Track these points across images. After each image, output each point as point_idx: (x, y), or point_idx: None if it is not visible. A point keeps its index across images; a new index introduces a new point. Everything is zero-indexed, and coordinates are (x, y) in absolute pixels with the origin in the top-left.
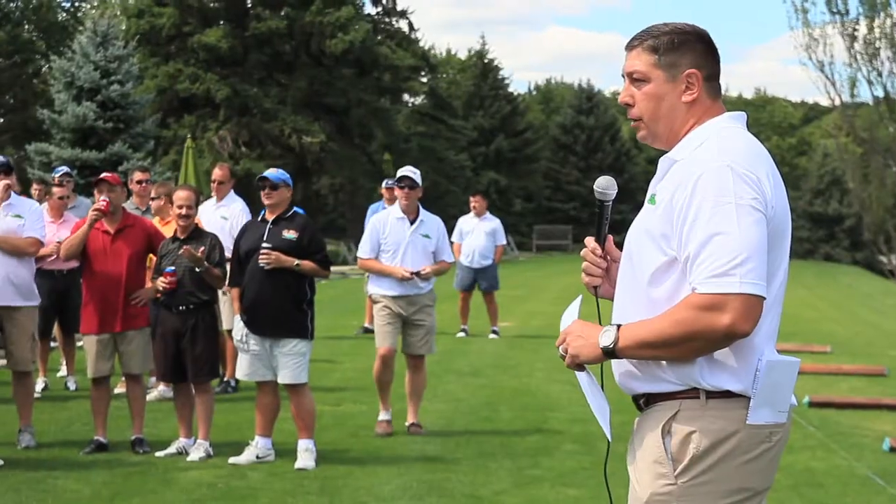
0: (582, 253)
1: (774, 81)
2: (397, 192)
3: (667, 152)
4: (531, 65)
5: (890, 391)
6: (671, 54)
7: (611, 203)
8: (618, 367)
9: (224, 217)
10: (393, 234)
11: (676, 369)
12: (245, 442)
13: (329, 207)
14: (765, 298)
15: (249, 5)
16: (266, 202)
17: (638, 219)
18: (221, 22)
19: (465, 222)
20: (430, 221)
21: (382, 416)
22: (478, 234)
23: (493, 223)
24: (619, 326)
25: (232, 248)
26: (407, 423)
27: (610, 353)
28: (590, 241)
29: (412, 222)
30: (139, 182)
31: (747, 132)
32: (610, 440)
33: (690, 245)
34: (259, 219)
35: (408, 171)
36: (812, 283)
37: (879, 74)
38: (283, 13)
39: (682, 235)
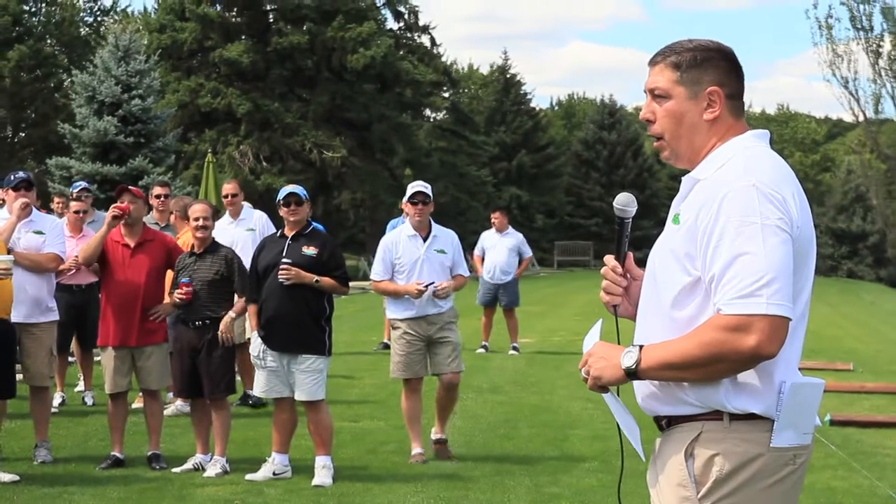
0: (602, 271)
1: (798, 97)
2: (410, 208)
3: (688, 171)
4: (553, 80)
5: None
6: (694, 71)
7: (630, 220)
8: (640, 388)
9: (251, 229)
10: (406, 254)
11: (699, 392)
12: (262, 458)
13: (350, 222)
14: (791, 320)
15: (271, 20)
16: (292, 218)
17: (661, 239)
18: (243, 37)
19: (488, 238)
20: (444, 236)
21: (416, 449)
22: (500, 249)
23: (514, 238)
24: (641, 347)
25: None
26: (433, 437)
27: (632, 374)
28: (610, 260)
29: (425, 239)
30: (158, 196)
31: (772, 151)
32: (643, 458)
33: (715, 265)
34: (278, 234)
35: (420, 186)
36: (835, 300)
37: None
38: (304, 28)
39: (707, 256)
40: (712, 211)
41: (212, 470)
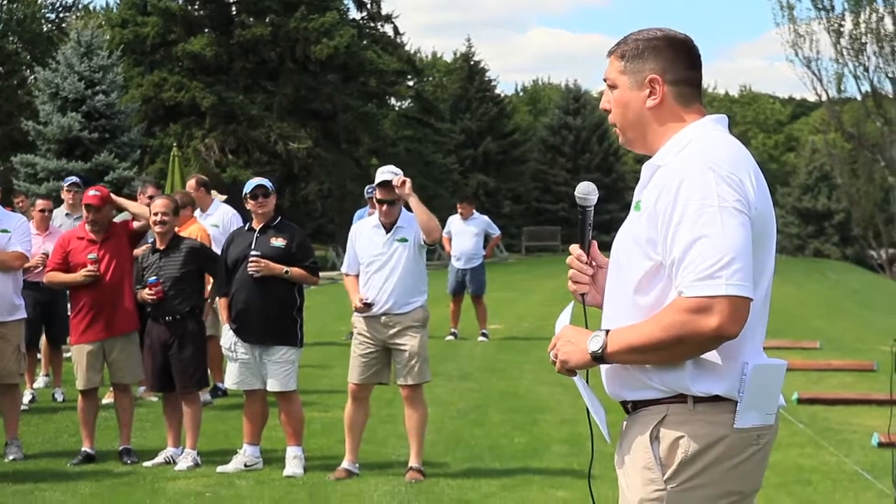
0: (567, 261)
1: (761, 78)
2: (377, 193)
3: (649, 158)
4: (517, 66)
5: (879, 386)
6: (635, 61)
7: (592, 208)
8: (605, 373)
9: (215, 224)
10: (367, 246)
11: (664, 376)
12: (233, 450)
13: (317, 213)
14: (752, 300)
15: (234, 13)
16: (259, 211)
17: (624, 226)
18: (206, 30)
19: (454, 223)
20: (410, 225)
21: (344, 463)
22: (466, 236)
23: (479, 224)
24: (607, 332)
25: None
26: (409, 465)
27: (599, 357)
28: (575, 249)
29: (388, 230)
30: (151, 197)
31: (729, 135)
32: (608, 441)
33: (675, 249)
34: (246, 227)
35: (388, 173)
36: (801, 279)
37: (866, 70)
38: (267, 20)
39: (667, 240)
40: (670, 196)
41: (183, 463)
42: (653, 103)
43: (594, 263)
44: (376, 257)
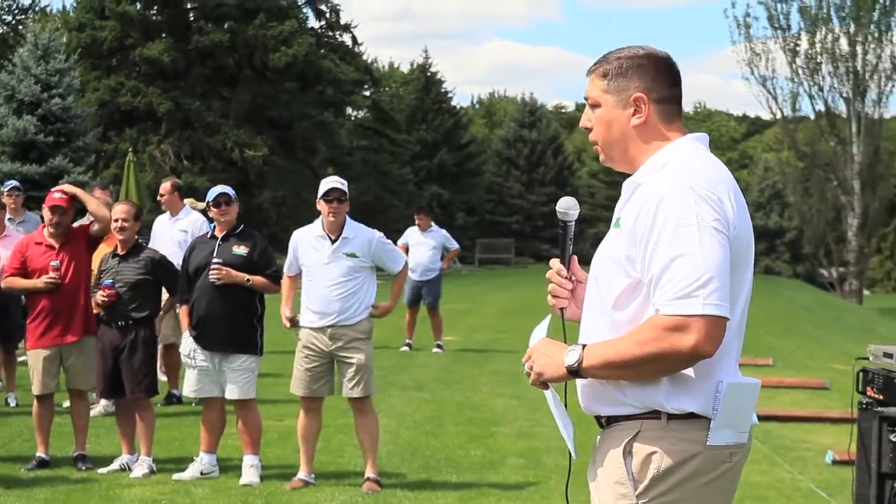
0: (547, 275)
1: (715, 95)
2: (324, 206)
3: (629, 176)
4: (473, 78)
5: (832, 404)
6: (620, 79)
7: (573, 223)
8: (581, 388)
9: (183, 230)
10: (309, 256)
11: (638, 393)
12: (188, 458)
13: (271, 221)
14: (728, 319)
15: (192, 19)
16: (222, 218)
17: (604, 243)
18: (164, 35)
19: (412, 235)
20: (360, 238)
21: (300, 474)
22: (423, 248)
23: (437, 238)
24: (584, 346)
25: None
26: (365, 476)
27: (574, 372)
28: (555, 263)
29: (334, 241)
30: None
31: (710, 153)
32: (574, 457)
33: (654, 267)
34: (208, 235)
35: (335, 182)
36: (753, 296)
37: (820, 89)
38: (226, 27)
39: (646, 257)
40: (650, 213)
41: (138, 470)
42: (638, 122)
43: (573, 278)
44: (320, 268)
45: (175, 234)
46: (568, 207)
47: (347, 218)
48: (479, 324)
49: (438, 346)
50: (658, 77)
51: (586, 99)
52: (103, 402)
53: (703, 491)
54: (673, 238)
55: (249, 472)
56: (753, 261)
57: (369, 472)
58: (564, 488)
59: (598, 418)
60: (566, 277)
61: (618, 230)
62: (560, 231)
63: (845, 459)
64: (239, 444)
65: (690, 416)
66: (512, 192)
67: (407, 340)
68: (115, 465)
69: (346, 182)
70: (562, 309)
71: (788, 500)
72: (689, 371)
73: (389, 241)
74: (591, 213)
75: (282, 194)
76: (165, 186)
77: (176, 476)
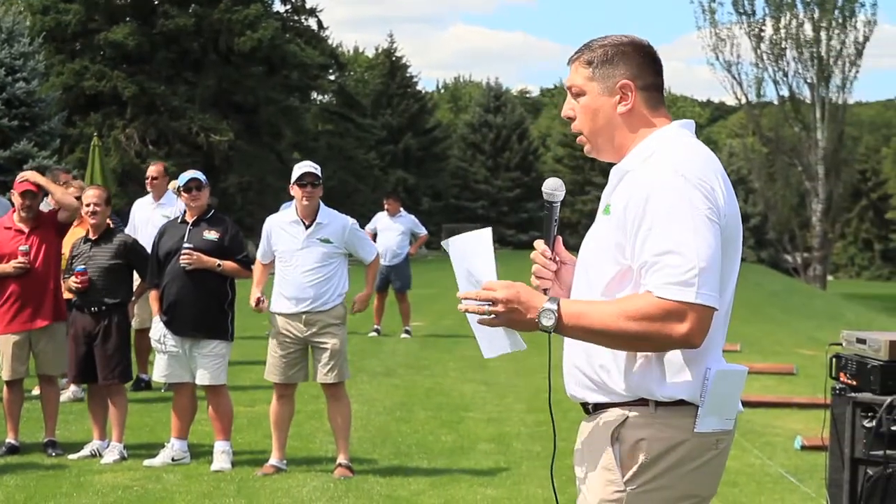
0: (532, 255)
1: (680, 81)
2: (297, 191)
3: (597, 161)
4: (438, 63)
5: (799, 389)
6: (605, 67)
7: (559, 204)
8: (567, 373)
9: (166, 216)
10: (283, 241)
11: (629, 380)
12: (159, 444)
13: (237, 206)
14: (717, 310)
15: (157, 2)
16: (193, 204)
17: (592, 230)
18: (128, 19)
19: (380, 220)
20: (334, 224)
21: (272, 460)
22: (392, 233)
23: (406, 223)
24: (559, 308)
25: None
26: (337, 461)
27: (547, 331)
28: (539, 244)
29: (308, 226)
30: (65, 184)
31: (697, 140)
32: (484, 356)
33: (646, 253)
34: (179, 220)
35: (309, 166)
36: None
37: (785, 74)
38: (190, 10)
39: (636, 244)
40: (641, 200)
41: (109, 456)
42: (624, 109)
43: (558, 259)
44: (295, 254)
45: (157, 218)
46: (554, 188)
47: (321, 204)
48: (447, 309)
49: (406, 332)
50: (643, 64)
51: (569, 88)
52: (72, 387)
53: (691, 477)
54: (667, 225)
55: (221, 458)
56: (741, 247)
57: (341, 458)
58: (536, 472)
59: (583, 405)
60: (550, 258)
61: (607, 217)
62: (545, 212)
63: (814, 445)
64: (209, 430)
65: (678, 403)
66: (477, 176)
67: (375, 326)
68: (85, 451)
69: (319, 167)
70: (545, 290)
71: (759, 485)
72: (679, 358)
73: (362, 230)
74: None
75: (247, 179)
76: (159, 169)
77: (147, 462)
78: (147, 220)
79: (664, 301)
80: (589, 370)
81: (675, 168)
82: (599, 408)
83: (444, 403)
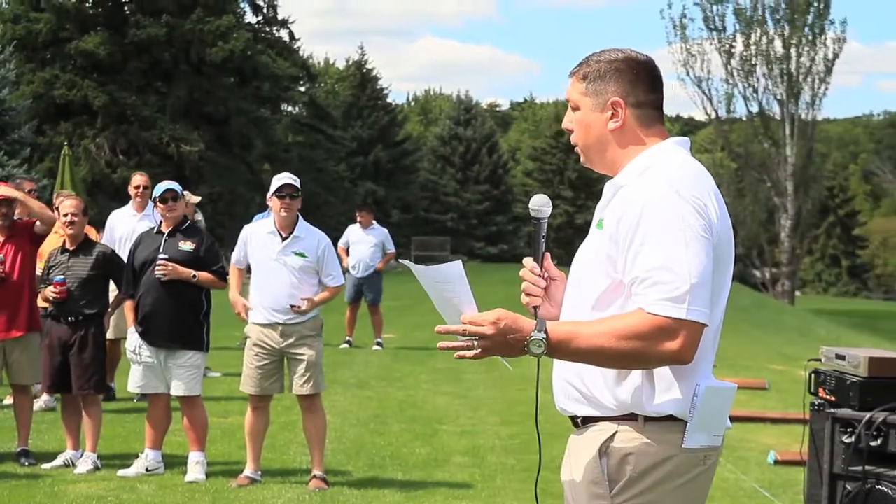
0: (521, 273)
1: None
2: (276, 202)
3: (610, 178)
4: (408, 76)
5: (771, 404)
6: (598, 83)
7: (546, 221)
8: (558, 387)
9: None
10: (258, 251)
11: (619, 395)
12: (132, 454)
13: (207, 216)
14: (707, 326)
15: (129, 12)
16: (168, 214)
17: (585, 243)
18: (100, 28)
19: (352, 232)
20: (310, 239)
21: (247, 471)
22: (364, 245)
23: (379, 236)
24: (547, 335)
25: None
26: (312, 473)
27: (537, 357)
28: (528, 261)
29: (284, 238)
30: (30, 191)
31: (691, 157)
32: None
33: (638, 268)
34: (154, 230)
35: (288, 178)
36: None
37: (755, 91)
38: (162, 20)
39: (629, 258)
40: (634, 215)
41: (83, 466)
42: (614, 126)
43: (547, 276)
44: (269, 264)
45: (140, 229)
46: (541, 205)
47: (300, 217)
48: (418, 321)
49: (378, 344)
50: (637, 82)
51: (568, 101)
52: (45, 396)
53: (678, 493)
54: (660, 241)
55: (195, 468)
56: (733, 265)
57: (316, 470)
58: (510, 486)
59: (572, 419)
60: (539, 275)
61: (600, 231)
62: (533, 229)
63: (787, 459)
64: (182, 440)
65: (667, 418)
66: (447, 189)
67: (347, 338)
68: (58, 461)
69: (298, 179)
70: (535, 307)
71: (733, 499)
72: (669, 374)
73: (336, 254)
74: (526, 211)
75: (218, 190)
76: (146, 179)
77: (121, 472)
78: (132, 232)
79: (655, 317)
80: (579, 384)
81: (669, 184)
82: (588, 421)
83: (418, 416)
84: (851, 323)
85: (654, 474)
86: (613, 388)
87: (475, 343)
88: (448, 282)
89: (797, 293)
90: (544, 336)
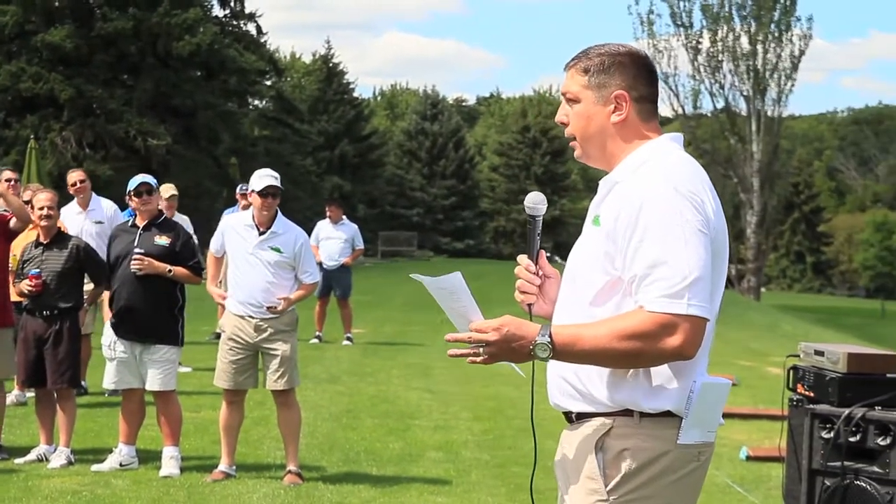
0: (515, 271)
1: None
2: (257, 199)
3: (606, 173)
4: (373, 70)
5: (740, 400)
6: (601, 76)
7: (541, 218)
8: (552, 383)
9: (99, 221)
10: (235, 244)
11: (615, 393)
12: (105, 449)
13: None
14: (709, 321)
15: (95, 5)
16: (143, 208)
17: (581, 240)
18: (66, 21)
19: (322, 228)
20: (287, 235)
21: (221, 466)
22: (334, 241)
23: (349, 231)
24: (552, 339)
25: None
26: (286, 468)
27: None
28: (523, 259)
29: (262, 233)
30: (8, 181)
31: (686, 154)
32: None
33: (637, 265)
34: (130, 224)
35: (271, 178)
36: None
37: (721, 87)
38: (129, 13)
39: (627, 255)
40: (633, 212)
41: (56, 461)
42: (618, 119)
43: (541, 273)
44: (247, 257)
45: (89, 226)
46: (536, 202)
47: (280, 214)
48: (386, 316)
49: (348, 339)
50: (639, 75)
51: (563, 94)
52: (15, 391)
53: (672, 488)
54: (659, 237)
55: (169, 463)
56: (728, 260)
57: (291, 465)
58: (485, 481)
59: (566, 414)
60: (534, 273)
61: (597, 228)
62: (528, 226)
63: (759, 455)
64: (155, 435)
65: (663, 414)
66: (413, 184)
67: (317, 333)
68: (31, 456)
69: (279, 176)
70: (529, 305)
71: (707, 495)
72: (667, 370)
73: (312, 252)
74: (492, 206)
75: (184, 184)
76: (80, 175)
77: (95, 467)
78: (79, 229)
79: (656, 315)
80: (574, 380)
81: (667, 180)
82: (583, 417)
83: (390, 411)
84: (817, 319)
85: (650, 470)
86: (610, 385)
87: (481, 350)
88: (453, 292)
89: (762, 289)
90: (549, 340)
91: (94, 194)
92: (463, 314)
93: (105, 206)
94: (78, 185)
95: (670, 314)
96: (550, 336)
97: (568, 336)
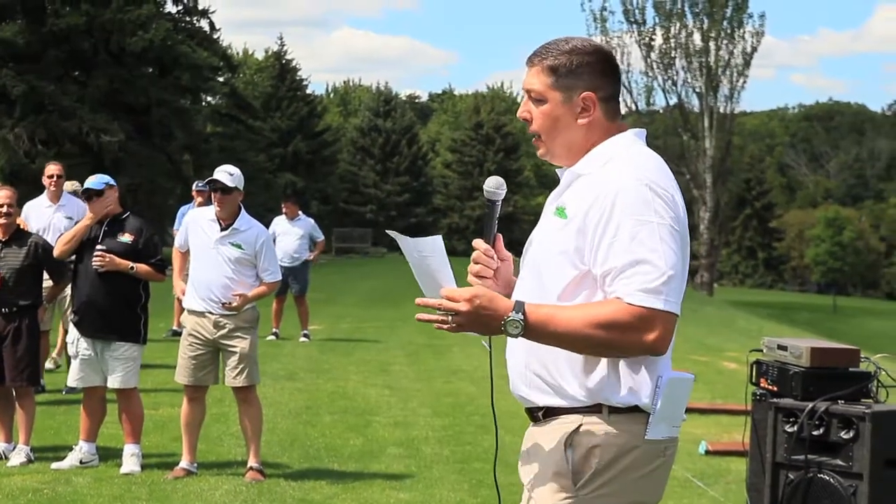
0: (474, 256)
1: None
2: (213, 195)
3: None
4: (326, 67)
5: (697, 395)
6: (569, 77)
7: (500, 203)
8: (518, 376)
9: (69, 217)
10: (196, 237)
11: (586, 386)
12: (64, 447)
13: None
14: (678, 316)
15: (47, 1)
16: (96, 210)
17: (543, 232)
18: (18, 17)
19: (279, 224)
20: (249, 232)
21: (183, 463)
22: (291, 237)
23: (305, 227)
24: (524, 317)
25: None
26: (248, 465)
27: (513, 336)
28: (480, 244)
29: (223, 228)
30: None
31: (650, 150)
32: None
33: (612, 260)
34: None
35: (220, 173)
36: None
37: (674, 83)
38: (82, 9)
39: (601, 250)
40: (605, 207)
41: (16, 459)
42: (585, 120)
43: (497, 257)
44: (206, 251)
45: (58, 220)
46: (496, 186)
47: (243, 211)
48: (342, 313)
49: (305, 336)
50: (605, 74)
51: (528, 91)
52: None
53: (639, 484)
54: (634, 234)
55: (130, 460)
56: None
57: (252, 462)
58: (447, 476)
59: (532, 411)
60: (491, 257)
61: (563, 221)
62: (486, 209)
63: (719, 450)
64: (115, 432)
65: (631, 409)
66: (366, 181)
67: (274, 329)
68: None
69: (234, 173)
70: None
71: (668, 489)
72: (636, 365)
73: (274, 250)
74: (445, 203)
75: (137, 181)
76: (58, 169)
77: (55, 465)
78: (48, 223)
79: (634, 307)
80: (545, 373)
81: (639, 177)
82: (551, 413)
83: (350, 407)
84: (769, 314)
85: (617, 465)
86: (581, 378)
87: (450, 318)
88: (430, 255)
89: (715, 285)
90: (522, 317)
91: (65, 191)
92: (437, 280)
93: (77, 202)
94: (55, 178)
95: (648, 308)
96: (524, 313)
97: (543, 315)
